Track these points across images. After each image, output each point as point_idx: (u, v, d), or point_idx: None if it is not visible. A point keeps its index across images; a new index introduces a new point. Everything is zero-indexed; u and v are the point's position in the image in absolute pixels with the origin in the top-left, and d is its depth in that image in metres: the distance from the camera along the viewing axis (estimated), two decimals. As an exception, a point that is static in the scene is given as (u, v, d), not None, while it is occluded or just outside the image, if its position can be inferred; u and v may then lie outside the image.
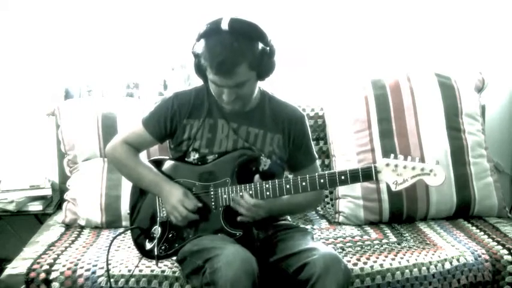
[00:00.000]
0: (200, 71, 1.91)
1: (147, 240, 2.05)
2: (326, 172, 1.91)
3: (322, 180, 1.89)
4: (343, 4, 2.86)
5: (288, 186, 1.90)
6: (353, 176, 1.87)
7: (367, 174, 1.86)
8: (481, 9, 2.88)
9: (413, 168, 1.83)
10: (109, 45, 2.79)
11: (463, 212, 2.49)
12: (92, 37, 2.77)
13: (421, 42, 2.87)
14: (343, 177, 1.87)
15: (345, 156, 2.51)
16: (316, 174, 1.91)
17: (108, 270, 1.94)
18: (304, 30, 2.85)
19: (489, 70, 2.73)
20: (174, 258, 2.01)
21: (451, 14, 2.87)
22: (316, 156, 2.16)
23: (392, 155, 1.86)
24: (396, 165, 1.84)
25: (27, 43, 2.75)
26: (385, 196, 2.42)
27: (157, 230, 2.03)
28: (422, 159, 1.85)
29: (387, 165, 1.85)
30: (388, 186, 1.87)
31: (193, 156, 2.03)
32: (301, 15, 2.83)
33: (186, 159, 2.05)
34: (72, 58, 2.78)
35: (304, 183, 1.89)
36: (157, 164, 2.09)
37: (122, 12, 2.77)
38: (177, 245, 2.00)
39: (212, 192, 1.98)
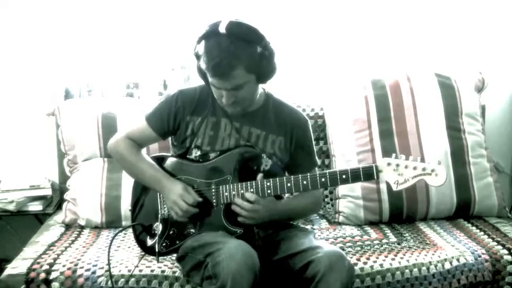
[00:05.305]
0: (201, 72, 1.93)
1: (149, 237, 2.06)
2: (327, 171, 1.91)
3: (323, 179, 1.89)
4: (343, 4, 2.85)
5: (289, 184, 1.91)
6: (354, 175, 1.87)
7: (368, 174, 1.86)
8: (480, 9, 2.87)
9: (415, 168, 1.83)
10: (109, 45, 2.79)
11: (463, 212, 2.49)
12: (91, 37, 2.77)
13: (421, 42, 2.87)
14: (344, 176, 1.87)
15: (345, 156, 2.51)
16: (317, 172, 1.92)
17: (109, 270, 1.94)
18: (304, 30, 2.84)
19: (489, 70, 2.73)
20: (175, 257, 2.01)
21: (451, 14, 2.87)
22: (318, 162, 2.16)
23: (394, 155, 1.86)
24: (397, 165, 1.83)
25: (27, 43, 2.75)
26: (385, 196, 2.41)
27: (158, 226, 2.03)
28: (422, 160, 1.85)
29: (388, 164, 1.84)
30: (388, 186, 1.87)
31: (195, 153, 2.03)
32: (301, 15, 2.83)
33: (187, 156, 2.05)
34: (72, 58, 2.77)
35: (305, 182, 1.90)
36: (159, 160, 2.09)
37: (122, 12, 2.77)
38: (178, 241, 2.00)
39: (213, 190, 1.98)
